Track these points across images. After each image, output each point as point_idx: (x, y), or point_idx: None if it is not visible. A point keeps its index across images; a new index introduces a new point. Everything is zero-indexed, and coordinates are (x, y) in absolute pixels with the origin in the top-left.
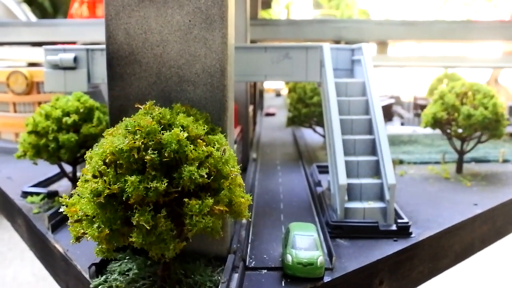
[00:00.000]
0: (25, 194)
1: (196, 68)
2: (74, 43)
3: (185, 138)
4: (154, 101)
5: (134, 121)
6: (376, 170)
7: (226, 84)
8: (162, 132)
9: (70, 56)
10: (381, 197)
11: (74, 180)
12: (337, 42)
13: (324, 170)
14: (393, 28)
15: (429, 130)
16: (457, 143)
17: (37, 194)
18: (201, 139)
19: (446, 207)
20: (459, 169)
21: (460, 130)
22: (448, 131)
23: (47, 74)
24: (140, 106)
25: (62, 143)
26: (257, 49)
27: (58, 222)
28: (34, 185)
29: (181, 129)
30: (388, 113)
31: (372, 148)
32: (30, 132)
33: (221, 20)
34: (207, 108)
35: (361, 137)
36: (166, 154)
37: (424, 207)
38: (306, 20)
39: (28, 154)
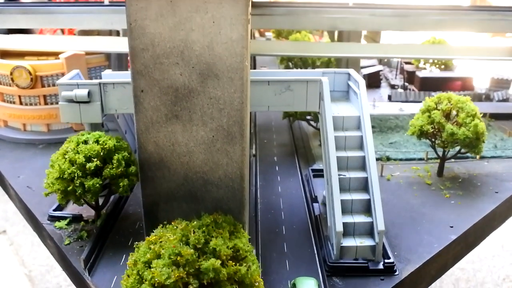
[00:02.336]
0: (52, 218)
1: (219, 173)
2: (72, 30)
3: (220, 264)
4: (188, 222)
5: (175, 250)
6: (368, 207)
7: (245, 187)
8: (200, 260)
9: (84, 92)
10: (371, 233)
11: (96, 208)
12: (332, 31)
13: (318, 174)
14: (386, 18)
15: (414, 110)
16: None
17: (64, 218)
18: (230, 259)
19: (425, 229)
20: (440, 173)
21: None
22: (433, 139)
23: (63, 107)
24: (175, 225)
25: (87, 188)
26: (261, 83)
27: (93, 263)
28: (58, 208)
29: (214, 251)
30: (377, 80)
31: (365, 185)
32: (57, 178)
33: (241, 136)
34: (229, 205)
35: (355, 175)
36: (205, 282)
37: (406, 230)
38: (302, 10)
39: (57, 199)
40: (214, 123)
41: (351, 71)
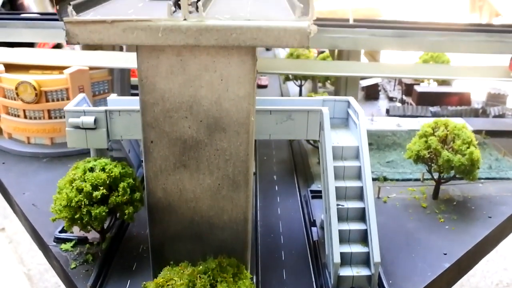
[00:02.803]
0: (58, 240)
1: (224, 218)
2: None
3: None
4: (194, 268)
5: None
6: (365, 237)
7: (248, 229)
8: None
9: (90, 119)
10: (367, 263)
11: (101, 232)
12: (332, 50)
13: (316, 195)
14: (386, 39)
15: (411, 125)
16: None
17: (69, 240)
18: None
19: (420, 256)
20: (435, 195)
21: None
22: (429, 164)
23: (70, 133)
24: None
25: (94, 216)
26: (263, 112)
27: None
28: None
29: None
30: (375, 92)
31: (363, 215)
32: (65, 206)
33: (245, 184)
34: (233, 245)
35: (353, 205)
36: None
37: (401, 256)
38: None
39: (65, 226)
40: (220, 172)
41: (351, 99)
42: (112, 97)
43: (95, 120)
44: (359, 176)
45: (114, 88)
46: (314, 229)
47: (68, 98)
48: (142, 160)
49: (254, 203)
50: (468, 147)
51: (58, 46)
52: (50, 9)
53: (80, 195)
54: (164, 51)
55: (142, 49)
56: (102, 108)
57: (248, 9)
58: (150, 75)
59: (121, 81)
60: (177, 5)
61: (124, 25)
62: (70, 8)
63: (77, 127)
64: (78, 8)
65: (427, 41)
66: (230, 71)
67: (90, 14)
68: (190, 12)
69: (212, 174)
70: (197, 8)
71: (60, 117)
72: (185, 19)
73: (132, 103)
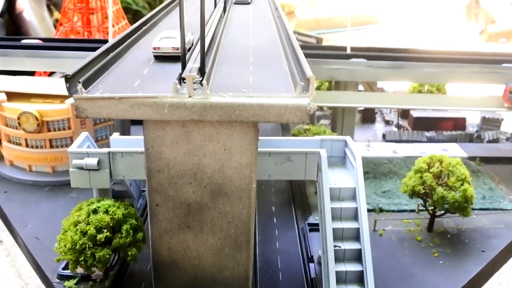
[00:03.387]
0: (62, 277)
1: (226, 274)
2: None
3: None
4: None
5: None
6: (361, 278)
7: (249, 284)
8: None
9: (94, 161)
10: None
11: (104, 270)
12: (330, 81)
13: (314, 228)
14: (383, 70)
15: (407, 152)
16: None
17: (73, 277)
18: None
19: None
20: (430, 228)
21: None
22: (425, 198)
23: (73, 173)
24: None
25: (98, 259)
26: (263, 154)
27: None
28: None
29: None
30: (371, 115)
31: (359, 256)
32: (69, 249)
33: (247, 244)
34: None
35: (350, 246)
36: None
37: None
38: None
39: (69, 268)
40: (223, 233)
41: (348, 139)
42: (115, 136)
43: (98, 162)
44: (355, 217)
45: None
46: (312, 265)
47: (69, 128)
48: (143, 190)
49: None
50: (462, 184)
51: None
52: (48, 18)
53: (84, 238)
54: (170, 123)
55: (149, 121)
56: (105, 149)
57: (250, 80)
58: (156, 144)
59: None
60: (181, 80)
61: (132, 101)
62: (79, 86)
63: (80, 168)
64: (87, 83)
65: (422, 72)
66: (233, 141)
67: (99, 88)
68: (194, 89)
69: (215, 235)
70: (201, 83)
71: (62, 146)
72: (190, 96)
73: (134, 143)
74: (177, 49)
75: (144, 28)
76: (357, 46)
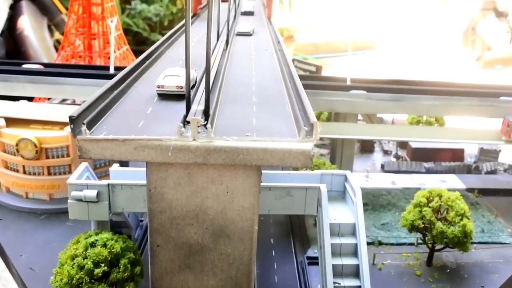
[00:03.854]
0: None
1: None
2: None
3: None
4: None
5: None
6: None
7: None
8: None
9: (93, 193)
10: None
11: None
12: (330, 113)
13: (313, 262)
14: (382, 103)
15: (406, 183)
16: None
17: None
18: None
19: None
20: (429, 262)
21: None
22: (424, 232)
23: (72, 205)
24: None
25: None
26: (263, 188)
27: None
28: None
29: None
30: (370, 145)
31: None
32: (66, 283)
33: (247, 285)
34: None
35: (350, 283)
36: None
37: None
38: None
39: None
40: (223, 274)
41: (348, 173)
42: (114, 168)
43: (97, 194)
44: (355, 253)
45: None
46: None
47: (68, 155)
48: (140, 220)
49: None
50: (461, 219)
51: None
52: (48, 39)
53: (81, 272)
54: (173, 165)
55: (152, 163)
56: (105, 181)
57: (254, 123)
58: (159, 185)
59: None
60: (186, 122)
61: (136, 143)
62: (84, 128)
63: (79, 200)
64: (91, 124)
65: (422, 105)
66: (235, 184)
67: (103, 129)
68: (198, 132)
69: (215, 276)
70: (205, 126)
71: (60, 174)
72: (194, 139)
73: (134, 175)
74: (181, 87)
75: (147, 62)
76: (357, 78)
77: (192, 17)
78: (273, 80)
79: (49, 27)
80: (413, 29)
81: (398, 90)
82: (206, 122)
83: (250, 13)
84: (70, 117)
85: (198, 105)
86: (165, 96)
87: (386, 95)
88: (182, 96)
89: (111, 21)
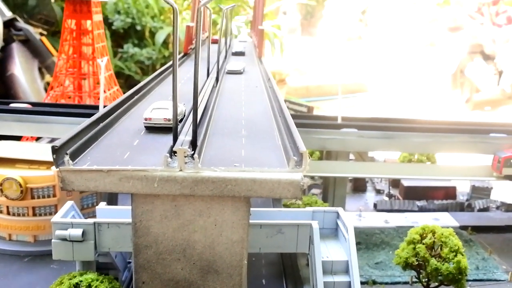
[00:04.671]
0: None
1: None
2: None
3: None
4: None
5: None
6: None
7: None
8: None
9: (78, 232)
10: None
11: None
12: (321, 152)
13: None
14: (374, 140)
15: (399, 221)
16: None
17: None
18: None
19: None
20: None
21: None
22: (418, 270)
23: (56, 245)
24: None
25: None
26: (254, 226)
27: None
28: None
29: None
30: (362, 184)
31: None
32: None
33: None
34: None
35: None
36: None
37: None
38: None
39: None
40: None
41: (340, 210)
42: (101, 206)
43: (83, 233)
44: None
45: None
46: None
47: (54, 195)
48: (128, 262)
49: None
50: (456, 255)
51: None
52: (39, 81)
53: None
54: (159, 197)
55: (138, 194)
56: (91, 220)
57: (243, 154)
58: (145, 219)
59: None
60: (173, 153)
61: (120, 174)
62: (67, 158)
63: (63, 239)
64: (75, 155)
65: (413, 142)
66: (224, 217)
67: (87, 160)
68: (185, 163)
69: None
70: (192, 157)
71: (45, 214)
72: (181, 170)
73: (121, 214)
74: (169, 120)
75: (136, 97)
76: (348, 116)
77: (183, 56)
78: (263, 115)
79: (39, 69)
80: (403, 73)
81: (389, 127)
82: (193, 152)
83: (241, 54)
84: (53, 147)
85: (185, 136)
86: (153, 129)
87: (377, 133)
88: (170, 129)
89: (101, 61)
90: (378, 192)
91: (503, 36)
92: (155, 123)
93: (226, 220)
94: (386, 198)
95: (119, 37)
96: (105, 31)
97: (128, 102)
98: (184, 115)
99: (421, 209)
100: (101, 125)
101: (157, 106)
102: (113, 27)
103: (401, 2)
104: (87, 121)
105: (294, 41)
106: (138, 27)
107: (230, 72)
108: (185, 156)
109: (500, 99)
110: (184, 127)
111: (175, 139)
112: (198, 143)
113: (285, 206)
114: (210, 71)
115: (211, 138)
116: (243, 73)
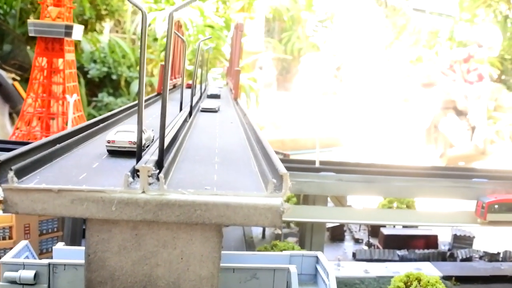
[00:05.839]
0: None
1: None
2: None
3: None
4: None
5: None
6: None
7: None
8: None
9: (30, 274)
10: None
11: None
12: (298, 195)
13: None
14: (352, 184)
15: (379, 271)
16: None
17: None
18: None
19: None
20: None
21: None
22: None
23: None
24: None
25: None
26: (226, 270)
27: None
28: None
29: None
30: (340, 233)
31: None
32: None
33: None
34: None
35: None
36: None
37: None
38: None
39: None
40: None
41: (319, 254)
42: (59, 246)
43: (35, 275)
44: None
45: (65, 227)
46: None
47: (10, 238)
48: None
49: None
50: None
51: None
52: (8, 126)
53: None
54: (118, 224)
55: (93, 220)
56: (45, 261)
57: (215, 178)
58: (100, 250)
59: (72, 224)
60: (135, 173)
61: (73, 195)
62: (11, 175)
63: (13, 282)
64: (22, 172)
65: (393, 186)
66: (192, 248)
67: (36, 178)
68: (149, 184)
69: None
70: (157, 178)
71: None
72: (143, 192)
73: (81, 255)
74: (135, 143)
75: (101, 125)
76: (326, 160)
77: (156, 95)
78: (238, 145)
79: (10, 114)
80: (378, 128)
81: (369, 172)
82: (158, 172)
83: (216, 96)
84: None
85: (151, 156)
86: (116, 153)
87: (357, 176)
88: (135, 153)
89: (71, 96)
90: (357, 241)
91: (474, 93)
92: (119, 146)
93: (194, 253)
94: (366, 247)
95: (94, 86)
96: (80, 79)
97: (92, 129)
98: (152, 140)
99: (402, 259)
100: (58, 146)
101: (122, 129)
102: (89, 76)
103: (375, 58)
104: (41, 140)
105: (270, 95)
106: (114, 77)
107: (205, 110)
108: (149, 176)
109: (473, 155)
110: (150, 149)
111: (138, 158)
112: (165, 165)
113: (260, 251)
114: (182, 106)
115: (180, 164)
116: (218, 111)
